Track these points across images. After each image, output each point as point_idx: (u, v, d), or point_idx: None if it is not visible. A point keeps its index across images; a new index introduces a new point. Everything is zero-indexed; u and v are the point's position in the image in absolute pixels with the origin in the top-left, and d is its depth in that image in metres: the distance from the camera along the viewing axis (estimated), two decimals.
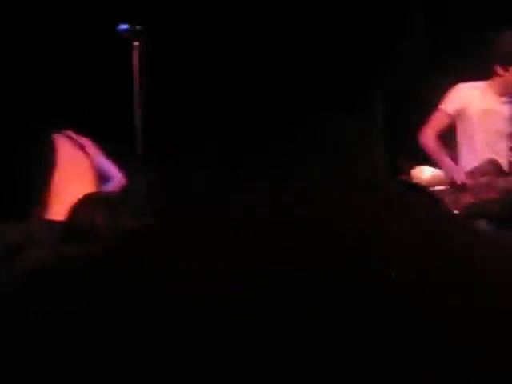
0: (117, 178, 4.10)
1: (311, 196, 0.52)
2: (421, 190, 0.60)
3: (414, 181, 4.74)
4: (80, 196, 2.93)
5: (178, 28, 0.53)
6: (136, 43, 3.79)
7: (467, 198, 4.52)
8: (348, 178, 0.54)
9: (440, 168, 4.65)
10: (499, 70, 4.45)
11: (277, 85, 0.53)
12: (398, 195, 0.55)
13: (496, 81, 4.52)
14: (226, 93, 0.54)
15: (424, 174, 4.77)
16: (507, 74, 4.43)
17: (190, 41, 0.53)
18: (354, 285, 0.47)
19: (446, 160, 4.59)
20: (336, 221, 0.50)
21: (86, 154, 3.77)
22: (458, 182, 4.51)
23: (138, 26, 3.31)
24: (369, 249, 0.49)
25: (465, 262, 0.50)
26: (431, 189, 4.57)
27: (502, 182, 4.49)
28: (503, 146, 4.55)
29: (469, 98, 4.54)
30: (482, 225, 4.34)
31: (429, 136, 4.58)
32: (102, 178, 3.93)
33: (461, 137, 4.63)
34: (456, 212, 4.46)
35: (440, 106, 4.60)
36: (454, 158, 4.67)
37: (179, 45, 0.54)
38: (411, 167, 5.03)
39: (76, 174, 3.67)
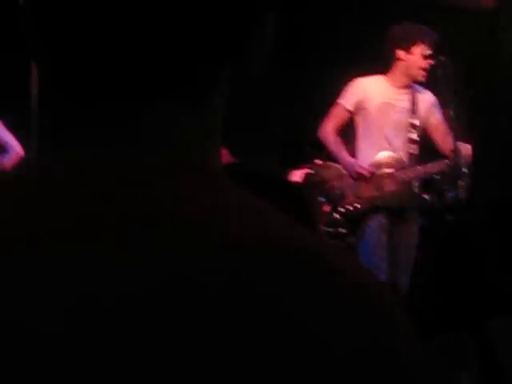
0: (14, 149, 4.01)
1: (141, 180, 0.52)
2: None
3: (318, 176, 4.84)
4: None
5: None
6: None
7: (368, 191, 4.59)
8: (178, 166, 0.54)
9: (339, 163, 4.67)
10: (401, 54, 4.49)
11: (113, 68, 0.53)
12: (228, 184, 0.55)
13: (397, 70, 4.55)
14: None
15: (325, 169, 4.84)
16: (410, 56, 4.48)
17: None
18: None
19: (345, 155, 4.62)
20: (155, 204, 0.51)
21: None
22: (358, 176, 4.56)
23: None
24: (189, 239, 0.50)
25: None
26: (332, 183, 4.73)
27: (400, 174, 4.57)
28: (402, 138, 4.60)
29: (366, 91, 4.56)
30: (378, 219, 4.51)
31: (327, 130, 4.61)
32: None
33: (360, 131, 4.64)
34: (358, 206, 4.65)
35: (338, 101, 4.61)
36: (353, 152, 4.69)
37: None
38: (315, 157, 5.13)
39: None
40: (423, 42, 4.44)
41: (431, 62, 4.46)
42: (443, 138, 4.56)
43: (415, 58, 4.48)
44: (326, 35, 6.17)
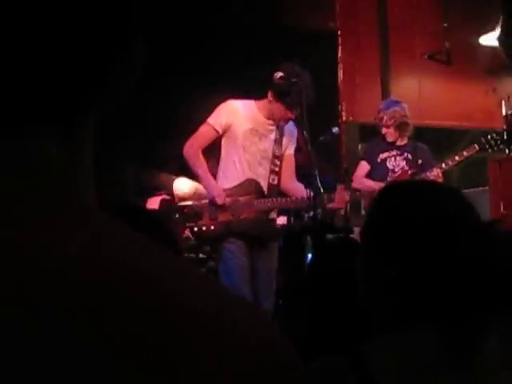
0: None
1: None
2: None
3: (175, 195, 4.77)
4: None
5: None
6: None
7: (225, 216, 4.55)
8: (49, 202, 0.49)
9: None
10: (271, 96, 4.52)
11: None
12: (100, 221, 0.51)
13: (267, 104, 4.58)
14: None
15: (183, 187, 4.80)
16: (275, 106, 4.52)
17: None
18: None
19: (207, 176, 4.56)
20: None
21: None
22: (217, 201, 4.51)
23: None
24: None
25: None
26: (189, 203, 4.64)
27: (258, 203, 4.56)
28: (265, 167, 4.61)
29: (236, 115, 4.54)
30: (237, 243, 4.45)
31: (193, 149, 4.53)
32: None
33: (225, 153, 4.61)
34: (212, 228, 4.59)
35: (208, 120, 4.55)
36: (216, 173, 4.66)
37: None
38: (170, 181, 5.06)
39: None
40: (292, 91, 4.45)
41: (292, 116, 4.54)
42: (289, 171, 4.71)
43: (280, 108, 4.52)
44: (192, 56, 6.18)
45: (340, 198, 4.63)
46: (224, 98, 4.66)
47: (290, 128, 4.71)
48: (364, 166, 5.74)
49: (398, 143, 5.67)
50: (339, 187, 4.64)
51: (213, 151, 4.72)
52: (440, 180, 5.30)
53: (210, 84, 5.83)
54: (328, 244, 3.11)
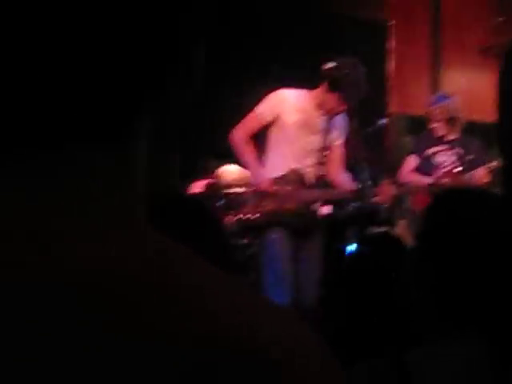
0: None
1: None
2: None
3: (222, 180, 4.79)
4: None
5: None
6: None
7: (268, 205, 4.53)
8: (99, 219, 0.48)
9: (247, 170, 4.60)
10: (325, 87, 4.45)
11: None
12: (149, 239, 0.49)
13: (319, 95, 4.51)
14: None
15: (230, 173, 4.82)
16: (329, 96, 4.44)
17: None
18: None
19: (254, 164, 4.53)
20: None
21: None
22: (262, 188, 4.50)
23: None
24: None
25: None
26: (235, 189, 4.65)
27: (303, 194, 4.53)
28: (312, 158, 4.56)
29: (286, 105, 4.48)
30: (280, 233, 4.46)
31: (240, 136, 4.49)
32: None
33: (272, 142, 4.58)
34: (256, 216, 4.60)
35: (257, 108, 4.52)
36: (263, 161, 4.63)
37: None
38: (217, 167, 5.08)
39: None
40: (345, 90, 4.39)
41: (344, 108, 4.48)
42: (337, 163, 4.67)
43: (333, 100, 4.45)
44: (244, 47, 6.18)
45: (384, 193, 4.59)
46: (275, 87, 4.61)
47: (340, 119, 4.65)
48: (412, 160, 5.67)
49: (448, 138, 5.58)
50: (384, 181, 4.60)
51: (262, 140, 4.72)
52: (486, 180, 5.22)
53: (261, 72, 5.82)
54: (371, 239, 3.10)
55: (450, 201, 1.41)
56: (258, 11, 6.36)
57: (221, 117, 5.16)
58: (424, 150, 5.61)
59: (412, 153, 5.75)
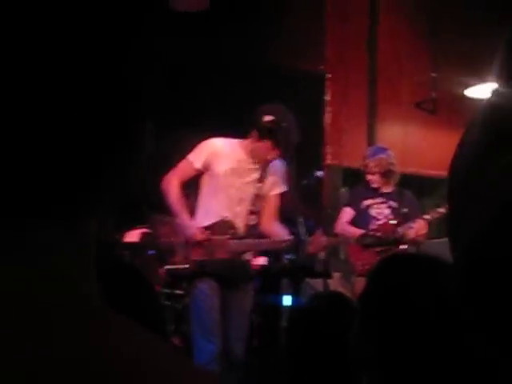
0: None
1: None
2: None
3: (155, 231, 4.72)
4: None
5: None
6: None
7: (198, 254, 4.47)
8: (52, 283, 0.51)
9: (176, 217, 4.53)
10: (255, 135, 4.45)
11: None
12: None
13: (249, 143, 4.51)
14: None
15: (162, 224, 4.73)
16: (259, 145, 4.45)
17: None
18: None
19: (183, 212, 4.48)
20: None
21: None
22: (193, 238, 4.43)
23: None
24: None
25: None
26: (164, 238, 4.58)
27: (233, 244, 4.48)
28: (243, 208, 4.53)
29: (217, 153, 4.48)
30: (209, 283, 4.36)
31: (171, 182, 4.47)
32: None
33: (204, 190, 4.55)
34: (186, 266, 4.51)
35: (188, 156, 4.51)
36: (195, 210, 4.59)
37: None
38: (152, 216, 5.01)
39: None
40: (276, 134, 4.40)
41: (276, 156, 4.47)
42: (271, 213, 4.61)
43: (265, 147, 4.44)
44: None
45: (317, 243, 4.57)
46: (206, 137, 4.61)
47: (277, 168, 4.63)
48: (348, 213, 5.68)
49: (383, 190, 5.62)
50: (316, 232, 4.59)
51: (193, 188, 4.68)
52: (424, 231, 5.26)
53: (192, 123, 5.80)
54: (323, 296, 3.03)
55: (394, 266, 1.40)
56: (193, 61, 6.37)
57: (152, 168, 5.10)
58: (359, 202, 5.64)
59: (347, 204, 5.77)
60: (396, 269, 1.39)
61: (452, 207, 0.51)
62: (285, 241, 4.44)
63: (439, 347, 1.20)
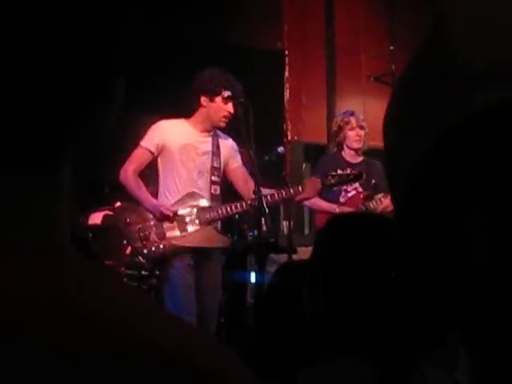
0: None
1: None
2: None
3: (120, 219, 4.71)
4: None
5: None
6: None
7: (172, 232, 4.55)
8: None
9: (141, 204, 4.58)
10: (205, 100, 4.53)
11: None
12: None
13: (200, 115, 4.59)
14: None
15: (128, 211, 4.73)
16: (212, 104, 4.52)
17: None
18: None
19: (147, 196, 4.55)
20: None
21: None
22: (161, 217, 4.49)
23: None
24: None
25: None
26: (135, 226, 4.62)
27: (204, 215, 4.56)
28: (204, 180, 4.61)
29: (168, 133, 4.55)
30: (184, 260, 4.42)
31: (128, 173, 4.52)
32: None
33: (163, 172, 4.62)
34: (161, 247, 4.53)
35: (140, 143, 4.56)
36: (155, 193, 4.65)
37: None
38: (116, 197, 5.01)
39: None
40: (226, 91, 4.49)
41: (231, 110, 4.52)
42: (243, 181, 4.67)
43: (217, 105, 4.53)
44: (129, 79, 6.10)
45: (312, 186, 4.60)
46: (156, 119, 4.67)
47: (228, 142, 4.74)
48: None
49: (353, 161, 5.54)
50: (309, 178, 4.60)
51: (152, 177, 4.75)
52: (391, 208, 5.22)
53: (148, 107, 5.76)
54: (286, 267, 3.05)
55: (339, 226, 1.44)
56: (152, 39, 6.32)
57: (104, 157, 5.07)
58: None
59: (314, 174, 5.56)
60: (345, 223, 1.45)
61: (389, 152, 0.52)
62: (251, 203, 4.43)
63: (382, 297, 1.25)
